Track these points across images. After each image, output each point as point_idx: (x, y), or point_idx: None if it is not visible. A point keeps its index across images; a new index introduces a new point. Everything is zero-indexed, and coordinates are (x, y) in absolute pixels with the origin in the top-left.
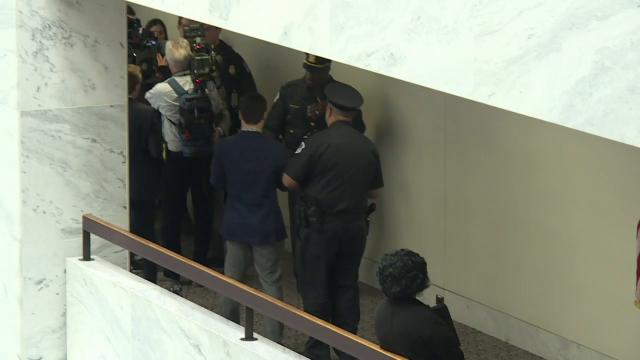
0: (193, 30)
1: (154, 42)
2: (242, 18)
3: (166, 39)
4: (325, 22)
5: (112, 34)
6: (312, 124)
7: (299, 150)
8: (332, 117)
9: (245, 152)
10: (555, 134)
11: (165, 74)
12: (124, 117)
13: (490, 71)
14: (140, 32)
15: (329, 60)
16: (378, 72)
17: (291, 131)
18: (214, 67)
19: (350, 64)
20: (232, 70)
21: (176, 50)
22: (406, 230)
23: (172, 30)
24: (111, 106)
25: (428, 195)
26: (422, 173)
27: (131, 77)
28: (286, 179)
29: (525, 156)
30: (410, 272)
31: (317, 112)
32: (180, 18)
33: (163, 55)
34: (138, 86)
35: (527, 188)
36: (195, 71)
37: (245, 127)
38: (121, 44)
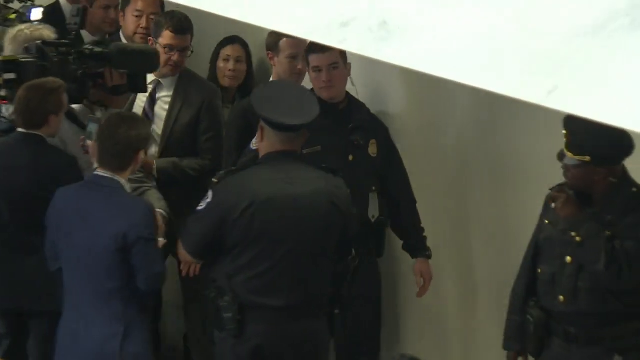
0: None
1: None
2: None
3: None
4: None
5: None
6: None
7: (202, 205)
8: (264, 143)
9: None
10: None
11: None
12: None
13: (551, 51)
14: None
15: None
16: (360, 52)
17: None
18: None
19: (313, 41)
20: None
21: None
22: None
23: None
24: None
25: None
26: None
27: None
28: (181, 252)
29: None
30: None
31: None
32: None
33: None
34: None
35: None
36: None
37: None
38: None
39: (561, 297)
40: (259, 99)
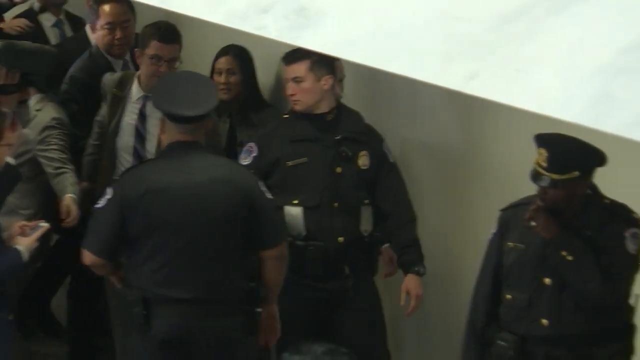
0: None
1: None
2: None
3: None
4: None
5: None
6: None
7: (100, 204)
8: (165, 134)
9: None
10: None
11: None
12: None
13: (471, 38)
14: None
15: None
16: (279, 38)
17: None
18: None
19: (226, 25)
20: None
21: None
22: None
23: None
24: None
25: None
26: None
27: None
28: (86, 257)
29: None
30: None
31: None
32: None
33: None
34: None
35: None
36: None
37: None
38: None
39: (544, 321)
40: (158, 91)
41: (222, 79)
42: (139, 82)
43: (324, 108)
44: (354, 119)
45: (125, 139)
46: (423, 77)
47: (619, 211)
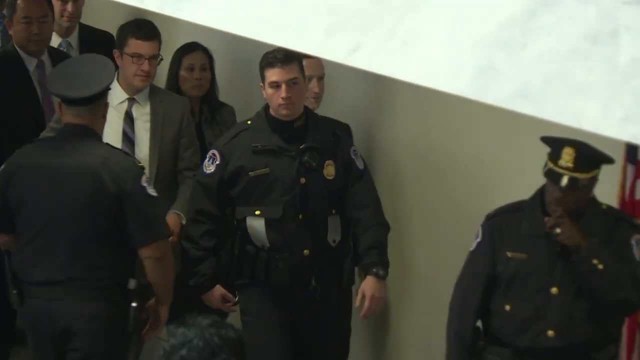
0: None
1: None
2: None
3: None
4: None
5: None
6: None
7: None
8: (62, 117)
9: None
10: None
11: None
12: None
13: (354, 10)
14: None
15: None
16: (160, 11)
17: None
18: None
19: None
20: None
21: None
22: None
23: None
24: None
25: None
26: None
27: None
28: None
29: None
30: (217, 356)
31: None
32: None
33: None
34: None
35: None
36: None
37: None
38: None
39: (550, 332)
40: (54, 73)
41: (196, 74)
42: (120, 85)
43: (299, 113)
44: (322, 126)
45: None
46: (307, 50)
47: (622, 217)
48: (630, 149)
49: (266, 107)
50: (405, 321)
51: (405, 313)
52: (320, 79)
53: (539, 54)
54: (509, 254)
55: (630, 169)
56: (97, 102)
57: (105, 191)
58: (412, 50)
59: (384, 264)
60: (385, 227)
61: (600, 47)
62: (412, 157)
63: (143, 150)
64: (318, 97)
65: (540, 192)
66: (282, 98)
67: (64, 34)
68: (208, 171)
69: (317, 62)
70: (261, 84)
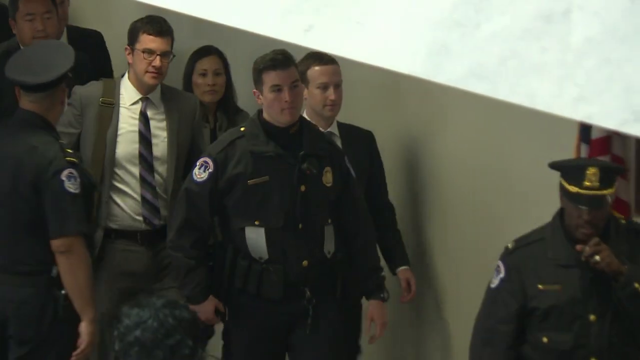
0: None
1: None
2: None
3: None
4: None
5: None
6: None
7: None
8: (20, 102)
9: None
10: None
11: None
12: None
13: None
14: None
15: None
16: None
17: None
18: None
19: None
20: None
21: None
22: None
23: None
24: None
25: None
26: None
27: None
28: None
29: None
30: (172, 336)
31: None
32: None
33: None
34: None
35: None
36: None
37: None
38: None
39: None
40: (13, 59)
41: (208, 80)
42: (132, 83)
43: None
44: (316, 132)
45: (127, 147)
46: (262, 31)
47: None
48: (584, 128)
49: (259, 114)
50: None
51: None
52: (337, 86)
53: (492, 33)
54: (540, 287)
55: (584, 149)
56: (54, 88)
57: (25, 181)
58: (366, 31)
59: (384, 286)
60: (375, 241)
61: (554, 26)
62: (463, 172)
63: (161, 149)
64: (336, 105)
65: (560, 219)
66: (286, 102)
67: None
68: (199, 179)
69: (335, 68)
70: (254, 89)
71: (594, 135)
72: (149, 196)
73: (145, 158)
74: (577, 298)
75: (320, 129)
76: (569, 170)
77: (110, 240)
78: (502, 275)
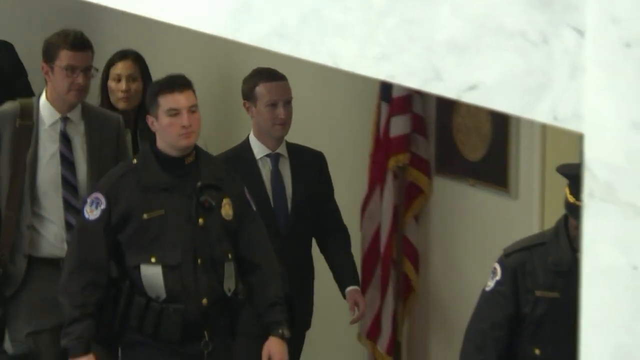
0: None
1: None
2: None
3: None
4: None
5: None
6: None
7: None
8: None
9: None
10: None
11: None
12: None
13: None
14: None
15: None
16: None
17: None
18: None
19: None
20: None
21: None
22: None
23: None
24: None
25: None
26: None
27: None
28: None
29: None
30: None
31: None
32: None
33: None
34: None
35: None
36: None
37: None
38: None
39: None
40: None
41: (122, 85)
42: (51, 103)
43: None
44: (214, 162)
45: (50, 170)
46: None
47: None
48: (385, 87)
49: (152, 143)
50: None
51: None
52: (287, 103)
53: None
54: (537, 293)
55: (385, 107)
56: None
57: None
58: None
59: (287, 322)
60: (280, 274)
61: None
62: None
63: (81, 171)
64: (285, 124)
65: (564, 225)
66: (183, 127)
67: None
68: (92, 217)
69: (284, 85)
70: (149, 115)
71: (395, 93)
72: (73, 221)
73: (69, 181)
74: (575, 307)
75: (268, 150)
76: (574, 179)
77: (37, 266)
78: (498, 277)
